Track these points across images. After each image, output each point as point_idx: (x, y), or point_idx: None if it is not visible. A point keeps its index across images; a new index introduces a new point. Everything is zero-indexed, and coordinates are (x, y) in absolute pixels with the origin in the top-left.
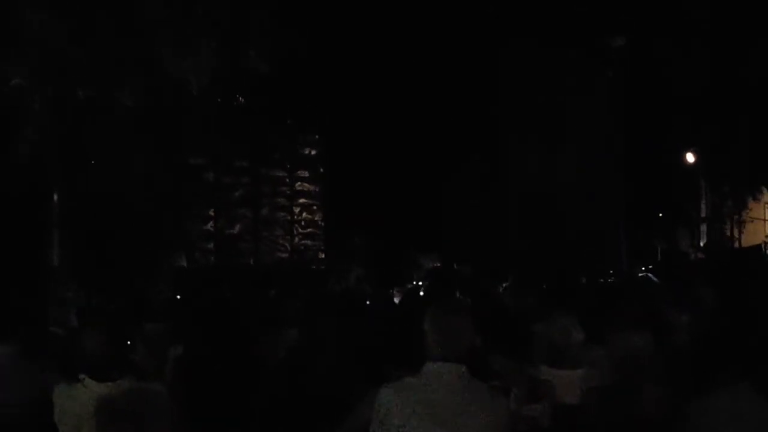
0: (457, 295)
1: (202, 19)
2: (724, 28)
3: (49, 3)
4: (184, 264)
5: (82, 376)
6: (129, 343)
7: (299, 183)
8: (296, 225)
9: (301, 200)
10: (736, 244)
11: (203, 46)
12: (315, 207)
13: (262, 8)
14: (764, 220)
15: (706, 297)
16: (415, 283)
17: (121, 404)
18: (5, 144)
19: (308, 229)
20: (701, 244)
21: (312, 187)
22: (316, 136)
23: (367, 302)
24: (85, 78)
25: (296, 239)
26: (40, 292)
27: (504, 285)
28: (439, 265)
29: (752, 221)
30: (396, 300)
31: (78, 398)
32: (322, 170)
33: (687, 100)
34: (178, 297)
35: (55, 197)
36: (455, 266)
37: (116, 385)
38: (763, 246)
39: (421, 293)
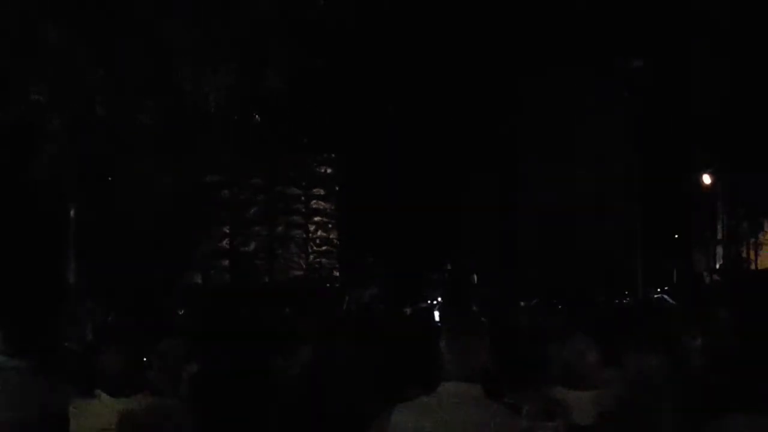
0: (473, 314)
1: (220, 39)
2: (742, 50)
3: (70, 21)
4: (200, 281)
5: (97, 391)
6: (145, 359)
7: (314, 201)
8: (311, 243)
9: (316, 218)
10: (752, 266)
11: (221, 65)
12: (330, 225)
13: (280, 28)
14: None
15: (722, 319)
16: (429, 302)
17: (140, 419)
18: (23, 160)
19: (323, 247)
20: (717, 266)
21: (327, 205)
22: (332, 155)
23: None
24: (104, 96)
25: (311, 257)
26: (55, 307)
27: (520, 305)
28: (454, 284)
29: None
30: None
31: (94, 414)
32: (337, 188)
33: (704, 122)
34: (194, 314)
35: (72, 213)
36: (471, 286)
37: (132, 400)
38: None
39: (436, 312)
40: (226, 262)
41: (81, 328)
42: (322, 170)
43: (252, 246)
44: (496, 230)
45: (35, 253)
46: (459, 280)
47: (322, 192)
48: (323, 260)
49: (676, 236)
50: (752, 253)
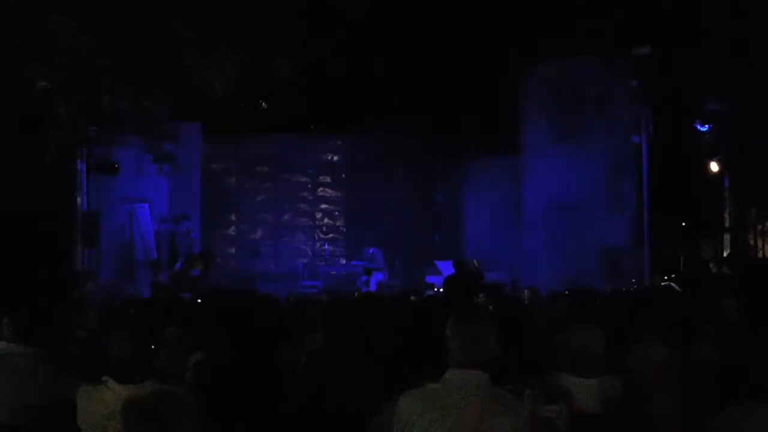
0: (480, 301)
1: (228, 28)
2: (747, 35)
3: (77, 10)
4: (204, 268)
5: (105, 378)
6: (153, 347)
7: (321, 188)
8: (318, 230)
9: (323, 206)
10: (759, 254)
11: (228, 53)
12: (337, 213)
13: (287, 16)
14: None
15: (729, 308)
16: (435, 289)
17: (147, 405)
18: (31, 149)
19: (330, 235)
20: (724, 254)
21: (334, 193)
22: (338, 142)
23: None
24: (112, 85)
25: (318, 245)
26: (62, 295)
27: (526, 292)
28: (459, 272)
29: None
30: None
31: (102, 400)
32: (344, 176)
33: (711, 109)
34: (200, 302)
35: (79, 201)
36: (477, 273)
37: (140, 387)
38: None
39: (442, 300)
40: (233, 250)
41: (87, 314)
42: (329, 158)
43: (259, 233)
44: (502, 218)
45: (42, 240)
46: (465, 267)
47: (328, 179)
48: (330, 248)
49: (684, 224)
50: (759, 240)
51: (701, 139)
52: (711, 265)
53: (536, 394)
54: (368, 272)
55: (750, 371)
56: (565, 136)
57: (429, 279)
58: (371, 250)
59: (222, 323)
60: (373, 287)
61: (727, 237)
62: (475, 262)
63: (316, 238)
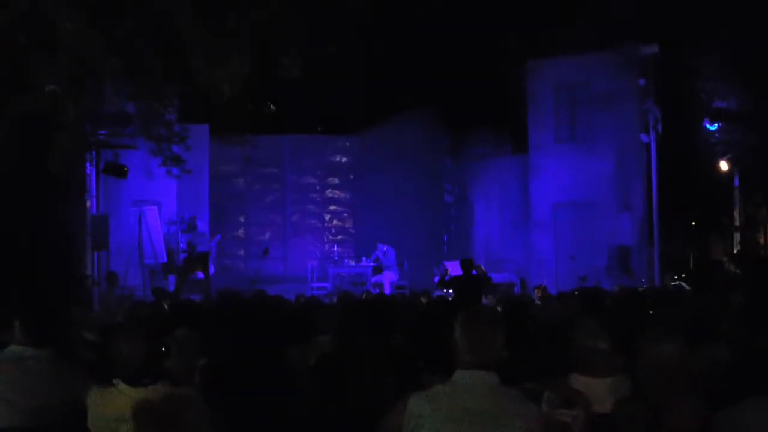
0: (488, 302)
1: (235, 28)
2: (756, 34)
3: (85, 12)
4: (213, 270)
5: (116, 380)
6: (163, 349)
7: (330, 190)
8: (326, 232)
9: (332, 207)
10: None
11: (235, 53)
12: (345, 214)
13: (294, 15)
14: None
15: (739, 306)
16: (444, 290)
17: (159, 407)
18: (39, 151)
19: (339, 236)
20: (734, 253)
21: (342, 194)
22: (347, 143)
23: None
24: (120, 87)
25: (326, 246)
26: (73, 297)
27: (536, 292)
28: (468, 272)
29: None
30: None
31: (113, 403)
32: (352, 177)
33: (720, 107)
34: (210, 303)
35: (88, 204)
36: (486, 274)
37: (151, 390)
38: None
39: (451, 301)
40: (242, 252)
41: (97, 317)
42: (337, 159)
43: (267, 235)
44: (511, 218)
45: (52, 244)
46: (474, 267)
47: (337, 181)
48: (339, 249)
49: (693, 223)
50: None
51: (710, 138)
52: (725, 260)
53: (554, 396)
54: (379, 269)
55: (760, 368)
56: (573, 135)
57: (437, 279)
58: (384, 247)
59: (232, 325)
60: (387, 289)
61: (737, 236)
62: (481, 267)
63: (325, 239)
